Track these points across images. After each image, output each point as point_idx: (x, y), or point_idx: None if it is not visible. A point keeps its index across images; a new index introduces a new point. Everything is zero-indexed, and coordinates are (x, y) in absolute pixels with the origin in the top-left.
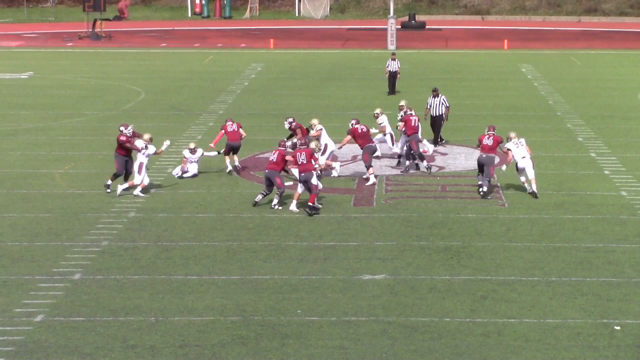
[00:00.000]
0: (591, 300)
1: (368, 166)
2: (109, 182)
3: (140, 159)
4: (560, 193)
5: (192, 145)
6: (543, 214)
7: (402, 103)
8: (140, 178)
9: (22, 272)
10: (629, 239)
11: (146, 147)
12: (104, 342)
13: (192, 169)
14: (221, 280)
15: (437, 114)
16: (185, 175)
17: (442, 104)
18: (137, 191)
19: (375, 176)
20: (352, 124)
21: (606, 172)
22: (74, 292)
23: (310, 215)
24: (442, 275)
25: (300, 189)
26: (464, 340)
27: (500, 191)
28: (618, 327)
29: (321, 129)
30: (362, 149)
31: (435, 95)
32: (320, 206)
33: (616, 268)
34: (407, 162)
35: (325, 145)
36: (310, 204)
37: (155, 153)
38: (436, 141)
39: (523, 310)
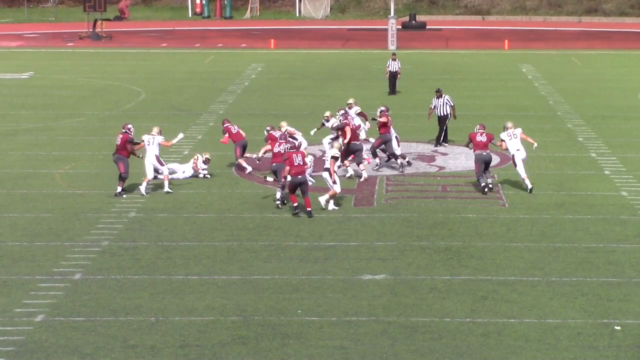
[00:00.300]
0: (591, 301)
1: (343, 159)
2: (119, 188)
3: (153, 151)
4: (561, 193)
5: (208, 156)
6: (543, 214)
7: (351, 101)
8: (166, 168)
9: (23, 272)
10: (629, 239)
11: (153, 141)
12: (105, 342)
13: (186, 173)
14: (221, 280)
15: (443, 114)
16: (174, 175)
17: (447, 103)
18: (143, 188)
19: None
20: (341, 120)
21: (606, 172)
22: (75, 292)
23: (310, 216)
24: (442, 275)
25: (338, 188)
26: (464, 340)
27: (501, 191)
28: (618, 327)
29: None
30: (347, 145)
31: (439, 96)
32: (335, 208)
33: (616, 268)
34: (399, 161)
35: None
36: (308, 209)
37: (163, 143)
38: (438, 141)
39: (523, 310)
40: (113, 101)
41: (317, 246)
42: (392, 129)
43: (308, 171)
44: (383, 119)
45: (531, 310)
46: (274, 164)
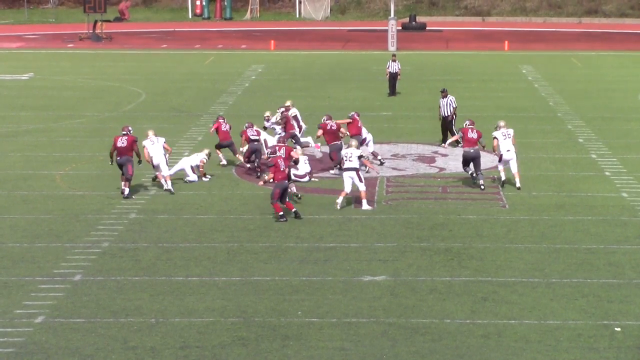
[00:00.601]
0: (592, 302)
1: (337, 164)
2: (127, 190)
3: (159, 150)
4: (561, 194)
5: (208, 151)
6: (544, 215)
7: (288, 103)
8: (166, 169)
9: (23, 273)
10: (630, 241)
11: (157, 140)
12: (105, 344)
13: (194, 162)
14: (222, 281)
15: (446, 114)
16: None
17: (450, 104)
18: (169, 185)
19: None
20: (324, 120)
21: (607, 173)
22: (75, 294)
23: (299, 217)
24: (442, 276)
25: (347, 188)
26: (464, 341)
27: (501, 192)
28: (618, 329)
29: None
30: (328, 145)
31: (444, 96)
32: (370, 208)
33: (617, 269)
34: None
35: (265, 141)
36: (294, 209)
37: (165, 146)
38: (445, 141)
39: (523, 311)
40: (113, 102)
41: (317, 247)
42: (364, 129)
43: (308, 171)
44: (342, 122)
45: (531, 312)
46: None
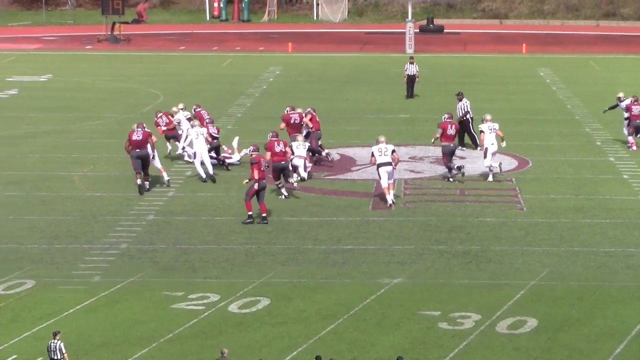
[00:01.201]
0: None
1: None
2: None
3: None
4: (579, 197)
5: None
6: (562, 218)
7: (181, 106)
8: (159, 163)
9: (42, 274)
10: None
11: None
12: None
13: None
14: (240, 283)
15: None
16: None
17: (462, 108)
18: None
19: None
20: (287, 111)
21: (625, 176)
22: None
23: (265, 223)
24: (460, 279)
25: (385, 182)
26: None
27: (519, 195)
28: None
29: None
30: (289, 136)
31: (460, 100)
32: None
33: (635, 272)
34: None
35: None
36: (264, 214)
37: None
38: (474, 142)
39: None
40: (131, 104)
41: (335, 250)
42: (185, 123)
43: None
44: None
45: None
46: (282, 162)
